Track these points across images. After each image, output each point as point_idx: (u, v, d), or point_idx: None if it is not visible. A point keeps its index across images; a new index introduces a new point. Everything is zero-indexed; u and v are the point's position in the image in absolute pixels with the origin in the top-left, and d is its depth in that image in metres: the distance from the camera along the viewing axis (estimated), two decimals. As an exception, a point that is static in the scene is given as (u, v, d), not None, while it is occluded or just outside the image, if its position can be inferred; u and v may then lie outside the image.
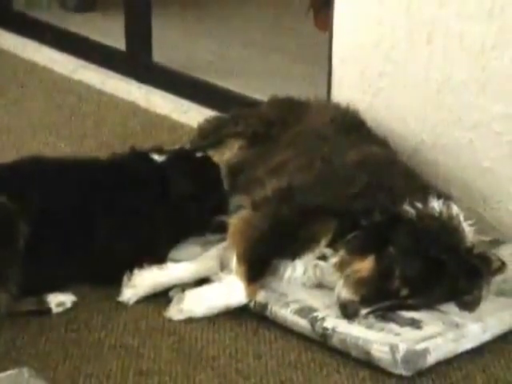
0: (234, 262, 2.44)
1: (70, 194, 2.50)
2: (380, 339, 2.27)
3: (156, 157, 2.66)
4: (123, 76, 3.97)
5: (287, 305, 2.41)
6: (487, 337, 2.36)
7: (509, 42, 2.63)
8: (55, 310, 2.44)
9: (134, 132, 3.58)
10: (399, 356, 2.23)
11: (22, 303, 2.41)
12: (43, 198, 2.46)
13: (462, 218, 2.45)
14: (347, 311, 2.33)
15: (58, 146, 3.43)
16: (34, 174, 2.51)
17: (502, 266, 2.45)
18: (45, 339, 2.35)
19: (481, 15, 2.67)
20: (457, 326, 2.33)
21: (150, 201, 2.57)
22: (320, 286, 2.49)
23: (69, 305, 2.46)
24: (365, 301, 2.33)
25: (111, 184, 2.56)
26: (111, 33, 4.19)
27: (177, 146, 2.94)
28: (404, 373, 2.24)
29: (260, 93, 3.47)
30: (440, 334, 2.30)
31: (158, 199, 2.58)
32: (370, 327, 2.32)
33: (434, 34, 2.80)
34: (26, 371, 2.07)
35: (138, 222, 2.55)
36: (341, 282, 2.36)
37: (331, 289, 2.40)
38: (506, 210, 2.76)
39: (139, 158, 2.66)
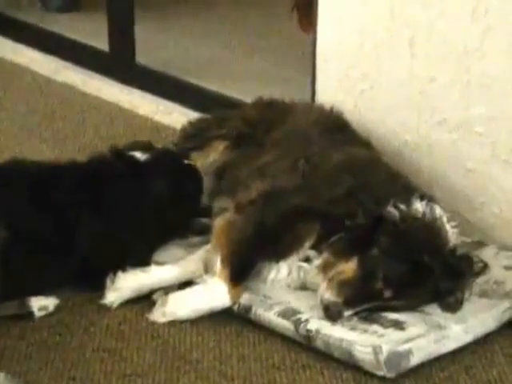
0: (217, 264, 2.43)
1: (48, 197, 2.48)
2: (363, 340, 2.27)
3: (138, 155, 2.64)
4: (106, 77, 3.95)
5: (271, 307, 2.41)
6: (469, 338, 2.36)
7: (492, 44, 2.64)
8: (38, 313, 2.42)
9: (117, 134, 3.56)
10: (382, 357, 2.23)
11: (4, 307, 2.39)
12: (21, 201, 2.44)
13: (445, 220, 2.45)
14: (330, 313, 2.33)
15: (40, 149, 3.41)
16: (11, 178, 2.49)
17: (485, 267, 2.46)
18: (27, 343, 2.33)
19: (464, 16, 2.67)
20: (439, 327, 2.33)
21: (129, 202, 2.56)
22: (304, 287, 2.48)
23: (51, 308, 2.44)
24: (348, 302, 2.33)
25: (91, 186, 2.54)
26: (94, 34, 4.16)
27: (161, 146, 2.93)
28: (387, 374, 2.24)
29: (244, 94, 3.46)
30: (423, 335, 2.30)
31: (137, 200, 2.56)
32: (353, 329, 2.32)
33: (417, 35, 2.80)
34: (2, 376, 2.05)
35: (121, 225, 2.54)
36: (324, 284, 2.36)
37: (315, 291, 2.40)
38: (489, 212, 2.76)
39: (119, 157, 2.64)
